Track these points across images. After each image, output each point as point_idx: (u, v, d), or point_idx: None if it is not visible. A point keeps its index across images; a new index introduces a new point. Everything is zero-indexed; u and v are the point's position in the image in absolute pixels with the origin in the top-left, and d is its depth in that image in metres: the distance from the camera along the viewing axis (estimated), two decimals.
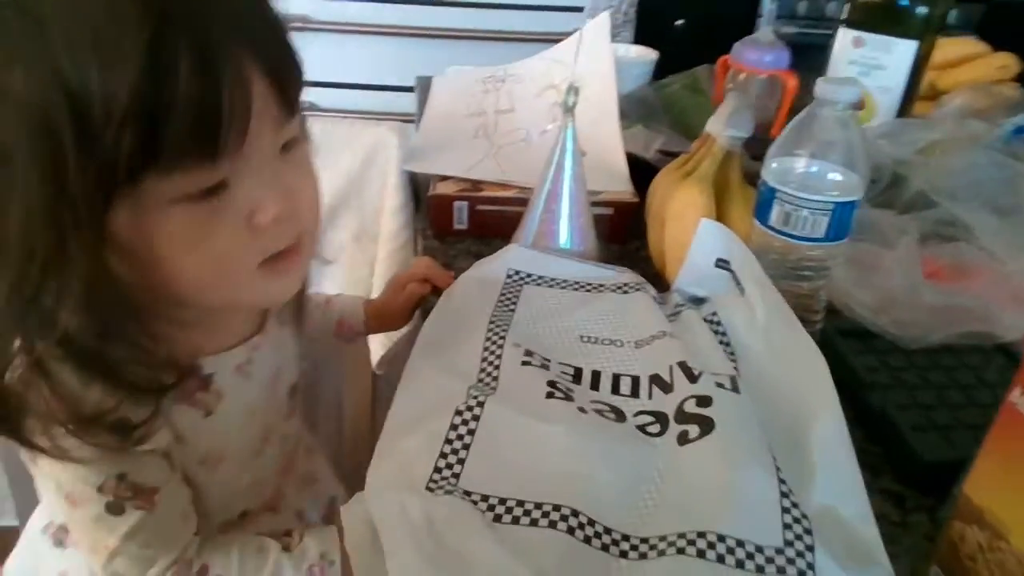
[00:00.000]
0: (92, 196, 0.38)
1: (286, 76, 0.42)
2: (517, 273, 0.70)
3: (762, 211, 0.64)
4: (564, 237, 0.73)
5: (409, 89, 1.22)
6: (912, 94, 0.97)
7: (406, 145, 0.99)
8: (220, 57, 0.38)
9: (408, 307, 0.74)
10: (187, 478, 0.52)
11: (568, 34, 1.06)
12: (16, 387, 0.42)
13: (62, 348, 0.42)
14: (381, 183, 0.95)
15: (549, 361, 0.58)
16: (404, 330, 0.79)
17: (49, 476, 0.47)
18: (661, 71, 1.24)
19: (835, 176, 0.61)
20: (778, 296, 0.61)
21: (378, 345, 0.90)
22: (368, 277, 0.94)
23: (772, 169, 0.64)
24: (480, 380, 0.55)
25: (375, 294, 0.80)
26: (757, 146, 0.96)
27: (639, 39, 1.32)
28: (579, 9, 1.36)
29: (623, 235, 0.84)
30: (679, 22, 2.25)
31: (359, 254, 0.93)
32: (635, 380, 0.57)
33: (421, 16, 1.99)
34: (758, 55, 0.97)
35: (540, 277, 0.69)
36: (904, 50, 0.94)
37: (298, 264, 0.48)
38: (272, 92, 0.41)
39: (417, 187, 0.93)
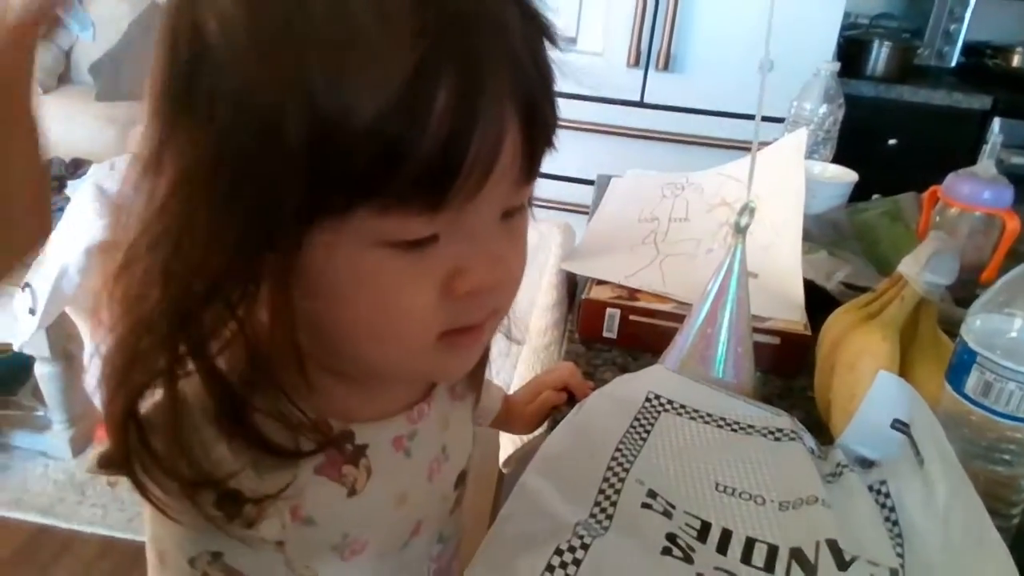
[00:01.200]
0: (299, 212, 0.33)
1: (541, 133, 0.37)
2: (658, 398, 0.64)
3: (957, 375, 0.55)
4: (717, 364, 0.67)
5: (587, 182, 1.22)
6: None
7: (568, 243, 0.97)
8: (484, 97, 0.33)
9: (539, 415, 0.71)
10: (311, 568, 0.45)
11: (767, 144, 1.01)
12: (147, 417, 0.37)
13: (205, 385, 0.37)
14: (537, 279, 0.94)
15: (674, 508, 0.51)
16: (539, 430, 0.75)
17: (149, 520, 0.43)
18: (860, 194, 1.14)
19: None
20: (965, 478, 0.51)
21: (508, 441, 0.87)
22: (510, 369, 0.92)
23: (975, 328, 0.54)
24: (592, 515, 0.50)
25: (513, 388, 0.77)
26: (963, 290, 0.85)
27: (840, 158, 1.23)
28: (781, 120, 1.29)
29: (788, 369, 0.76)
30: (892, 141, 2.12)
31: (504, 346, 0.91)
32: (772, 551, 0.49)
33: (611, 114, 2.01)
34: (975, 190, 0.87)
35: (682, 406, 0.63)
36: None
37: (480, 342, 0.42)
38: (522, 148, 0.36)
39: (574, 287, 0.90)
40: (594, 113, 1.98)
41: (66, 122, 2.82)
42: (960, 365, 0.54)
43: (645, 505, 0.50)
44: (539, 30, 0.38)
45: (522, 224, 0.41)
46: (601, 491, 0.52)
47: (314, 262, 0.35)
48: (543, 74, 0.37)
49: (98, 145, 2.68)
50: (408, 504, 0.48)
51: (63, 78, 3.21)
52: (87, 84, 3.06)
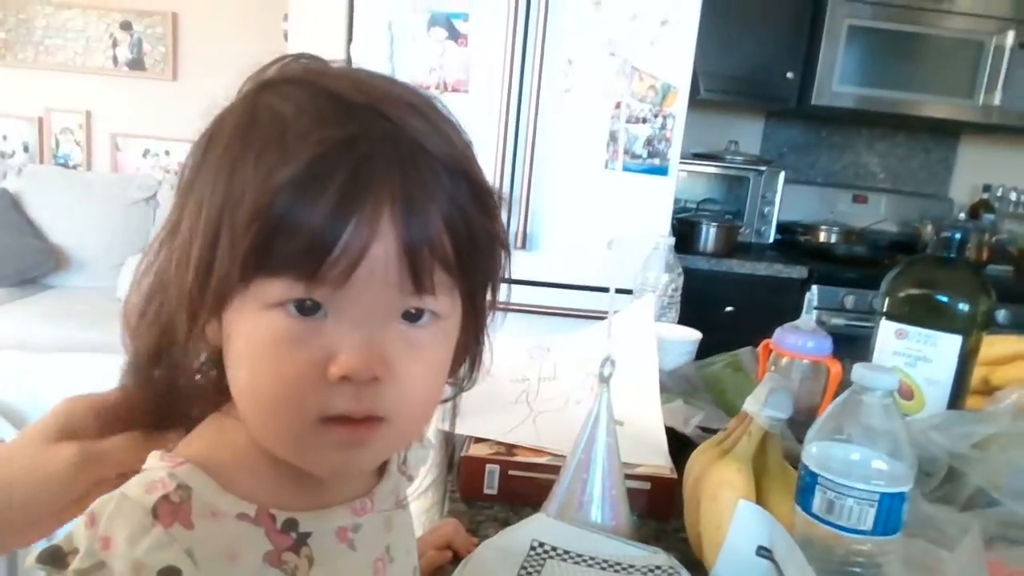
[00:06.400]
0: (224, 280, 0.40)
1: (423, 251, 0.41)
2: (542, 545, 0.65)
3: (804, 497, 0.61)
4: (594, 509, 0.70)
5: None
6: (962, 388, 0.95)
7: (443, 405, 1.00)
8: (365, 199, 0.39)
9: None
10: None
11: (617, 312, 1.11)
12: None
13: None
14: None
15: None
16: None
17: None
18: (705, 353, 1.26)
19: (880, 464, 0.58)
20: None
21: None
22: None
23: (812, 453, 0.61)
24: None
25: None
26: (802, 430, 0.94)
27: (684, 323, 1.36)
28: (630, 292, 1.43)
29: (661, 512, 0.80)
30: (728, 308, 2.34)
31: None
32: None
33: None
34: (800, 340, 0.99)
35: (566, 552, 0.65)
36: (948, 344, 0.94)
37: (366, 442, 0.43)
38: (403, 258, 0.40)
39: (454, 447, 0.92)
40: None
41: None
42: (805, 487, 0.60)
43: None
44: (463, 181, 0.43)
45: (427, 338, 0.44)
46: None
47: (232, 326, 0.42)
48: (445, 213, 0.42)
49: None
50: None
51: None
52: None
